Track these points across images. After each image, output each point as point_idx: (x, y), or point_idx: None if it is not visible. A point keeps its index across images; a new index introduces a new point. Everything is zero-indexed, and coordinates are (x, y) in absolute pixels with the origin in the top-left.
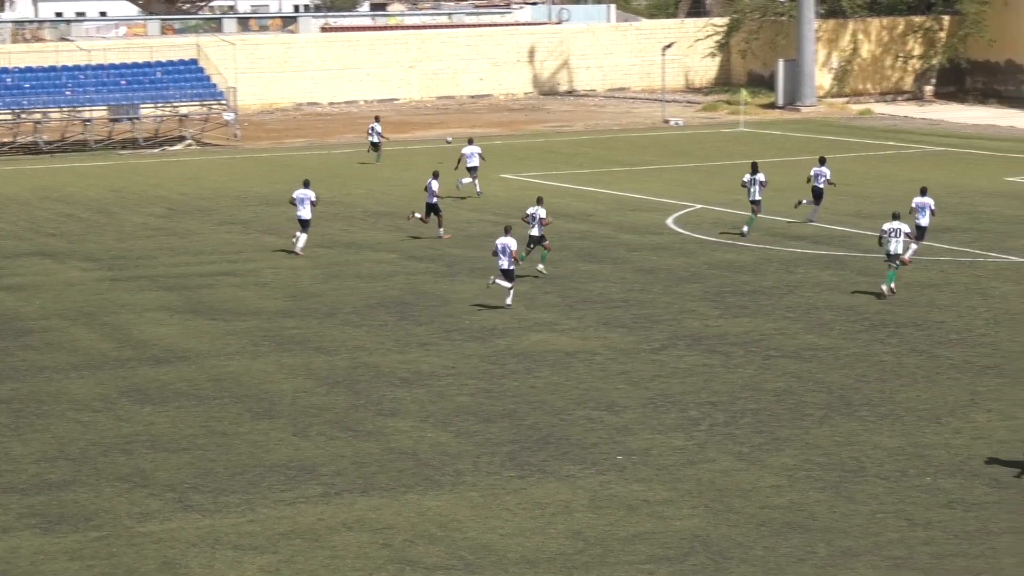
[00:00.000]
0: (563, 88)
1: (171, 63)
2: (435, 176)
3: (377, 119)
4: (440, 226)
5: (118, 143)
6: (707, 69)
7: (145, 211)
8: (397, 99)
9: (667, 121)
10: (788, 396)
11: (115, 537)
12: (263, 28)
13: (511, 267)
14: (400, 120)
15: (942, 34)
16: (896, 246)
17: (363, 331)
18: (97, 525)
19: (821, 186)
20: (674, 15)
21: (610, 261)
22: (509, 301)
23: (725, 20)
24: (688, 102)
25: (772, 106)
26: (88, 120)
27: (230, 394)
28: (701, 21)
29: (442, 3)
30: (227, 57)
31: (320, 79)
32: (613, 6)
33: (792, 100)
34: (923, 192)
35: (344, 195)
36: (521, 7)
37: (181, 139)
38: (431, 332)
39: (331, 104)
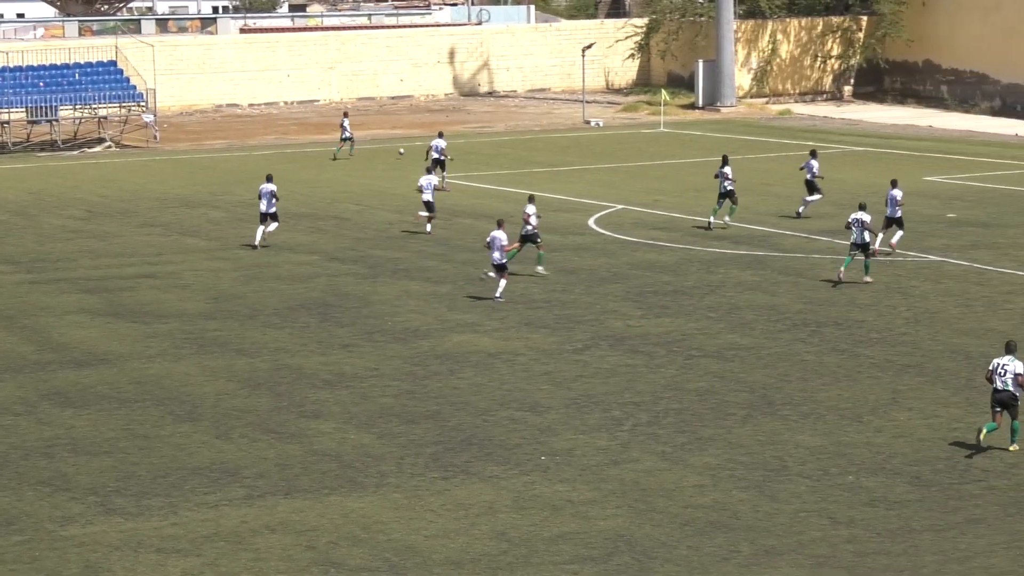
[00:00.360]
0: (483, 89)
1: (89, 65)
2: (429, 172)
3: (346, 115)
4: (428, 222)
5: (36, 145)
6: (627, 70)
7: (64, 213)
8: (317, 100)
9: (588, 122)
10: (711, 396)
11: (37, 541)
12: (182, 29)
13: (502, 260)
14: (321, 122)
15: (860, 34)
16: (858, 236)
17: (285, 333)
18: (19, 529)
19: (811, 178)
20: (594, 16)
21: (532, 262)
22: (499, 294)
23: (644, 21)
24: (608, 103)
25: (692, 107)
26: (6, 122)
27: (152, 397)
28: (620, 22)
29: (362, 4)
30: (146, 59)
31: (239, 81)
32: (532, 7)
33: (712, 101)
34: (893, 184)
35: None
36: (441, 8)
37: (100, 141)
38: (353, 334)
39: (251, 105)
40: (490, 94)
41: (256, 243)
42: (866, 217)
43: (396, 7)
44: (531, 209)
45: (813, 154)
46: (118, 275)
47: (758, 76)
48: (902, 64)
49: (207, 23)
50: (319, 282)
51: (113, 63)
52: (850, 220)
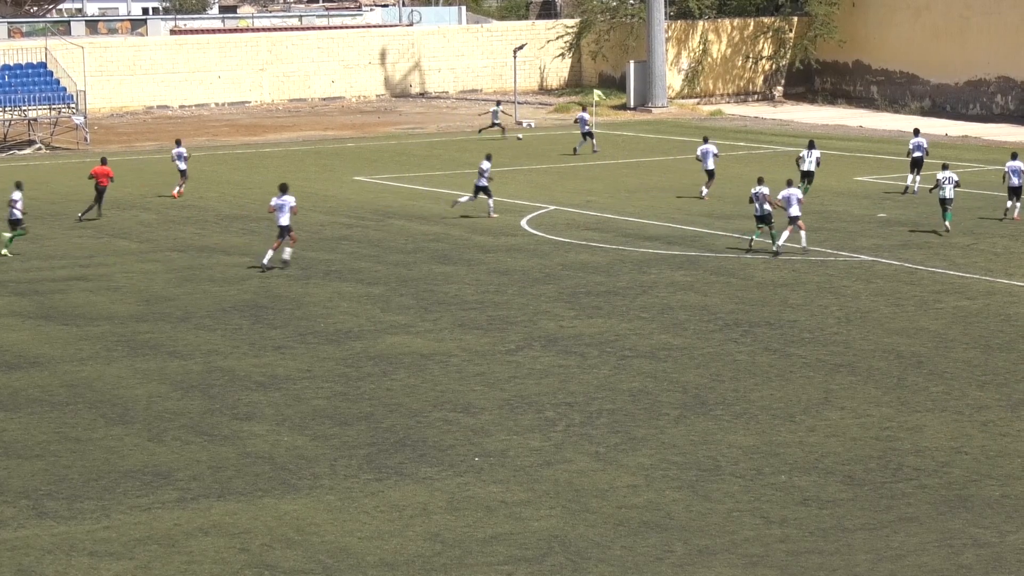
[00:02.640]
0: (415, 90)
1: (19, 66)
2: (488, 158)
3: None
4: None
5: None
6: (559, 71)
7: None
8: (248, 102)
9: (519, 123)
10: (644, 396)
11: None
12: (112, 31)
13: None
14: (252, 123)
15: (791, 35)
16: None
17: (217, 335)
18: None
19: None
20: (525, 17)
21: (464, 263)
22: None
23: (575, 22)
24: (540, 104)
25: (623, 107)
26: None
27: (84, 400)
28: (552, 23)
29: (292, 5)
30: (76, 60)
31: (170, 82)
32: (464, 8)
33: (643, 101)
34: (811, 145)
35: (197, 199)
36: (372, 9)
37: (30, 143)
38: (286, 335)
39: (182, 107)
40: (422, 95)
41: (278, 260)
42: (799, 193)
43: (327, 8)
44: (486, 164)
45: (811, 145)
46: (49, 277)
47: (689, 77)
48: (833, 65)
49: (137, 25)
50: (251, 284)
51: (43, 65)
52: (753, 193)
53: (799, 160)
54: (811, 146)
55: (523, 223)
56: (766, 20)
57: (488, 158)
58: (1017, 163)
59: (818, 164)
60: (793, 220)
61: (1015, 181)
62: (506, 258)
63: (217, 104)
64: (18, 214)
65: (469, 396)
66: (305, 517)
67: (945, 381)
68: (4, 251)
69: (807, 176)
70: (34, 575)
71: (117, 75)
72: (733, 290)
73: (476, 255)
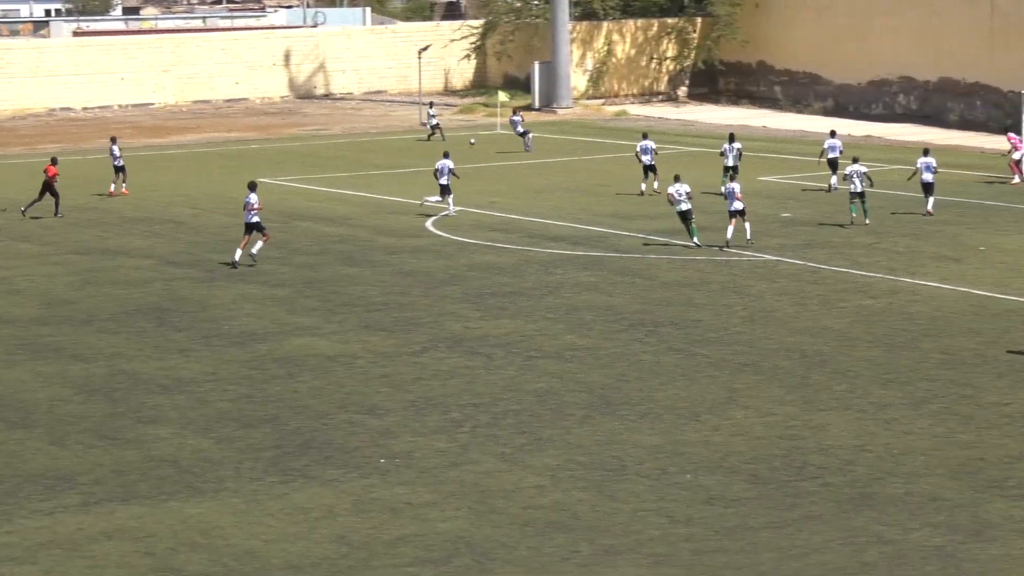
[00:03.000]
0: (320, 91)
1: None
2: (446, 155)
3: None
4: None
5: None
6: (464, 72)
7: None
8: (152, 104)
9: (424, 124)
10: (550, 396)
11: None
12: (14, 33)
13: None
14: (156, 125)
15: (695, 36)
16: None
17: (121, 338)
18: None
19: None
20: (430, 18)
21: (369, 264)
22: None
23: (480, 22)
24: (446, 105)
25: (528, 108)
26: None
27: None
28: (457, 23)
29: (196, 7)
30: None
31: (73, 84)
32: (368, 9)
33: (548, 102)
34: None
35: (99, 201)
36: (276, 11)
37: None
38: (190, 338)
39: (85, 109)
40: (326, 96)
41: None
42: (687, 188)
43: (231, 10)
44: (449, 164)
45: (833, 133)
46: None
47: (594, 77)
48: (736, 65)
49: (40, 26)
50: (155, 286)
51: None
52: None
53: (722, 154)
54: (731, 139)
55: (428, 224)
56: (670, 21)
57: (446, 155)
58: (929, 159)
59: (739, 157)
60: (737, 214)
61: (928, 177)
62: (411, 259)
63: (120, 106)
64: None
65: (375, 398)
66: (210, 520)
67: (849, 379)
68: None
69: (731, 170)
70: None
71: (19, 77)
72: (638, 290)
73: (381, 257)
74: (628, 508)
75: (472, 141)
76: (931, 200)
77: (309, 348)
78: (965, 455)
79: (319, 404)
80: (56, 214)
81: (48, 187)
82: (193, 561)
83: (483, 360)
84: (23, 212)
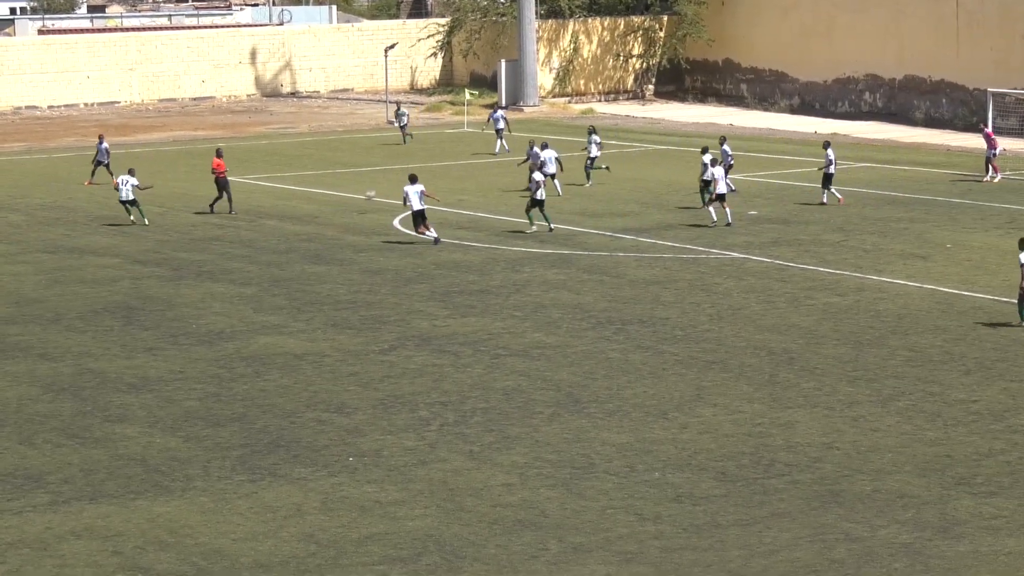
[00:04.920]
0: (286, 90)
1: None
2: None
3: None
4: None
5: None
6: (431, 70)
7: None
8: (118, 102)
9: (391, 122)
10: (517, 394)
11: None
12: None
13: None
14: (121, 123)
15: (661, 34)
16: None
17: (88, 337)
18: None
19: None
20: (396, 16)
21: (337, 263)
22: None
23: (447, 20)
24: (412, 103)
25: (495, 106)
26: None
27: None
28: (423, 22)
29: (162, 5)
30: None
31: (39, 82)
32: (334, 7)
33: (515, 100)
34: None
35: (66, 199)
36: (242, 8)
37: None
38: (158, 337)
39: (50, 108)
40: (293, 95)
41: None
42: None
43: (197, 8)
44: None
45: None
46: None
47: (560, 76)
48: (703, 63)
49: (4, 24)
50: (122, 285)
51: None
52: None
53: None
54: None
55: (395, 223)
56: (636, 19)
57: (413, 180)
58: (830, 152)
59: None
60: (721, 198)
61: (831, 169)
62: (379, 257)
63: (86, 104)
64: None
65: (343, 396)
66: (178, 519)
67: (816, 377)
68: None
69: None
70: None
71: None
72: (606, 288)
73: (349, 255)
74: (597, 506)
75: (370, 194)
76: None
77: (277, 346)
78: (932, 452)
79: (287, 403)
80: (230, 211)
81: (217, 183)
82: (161, 560)
83: (451, 358)
84: (211, 209)
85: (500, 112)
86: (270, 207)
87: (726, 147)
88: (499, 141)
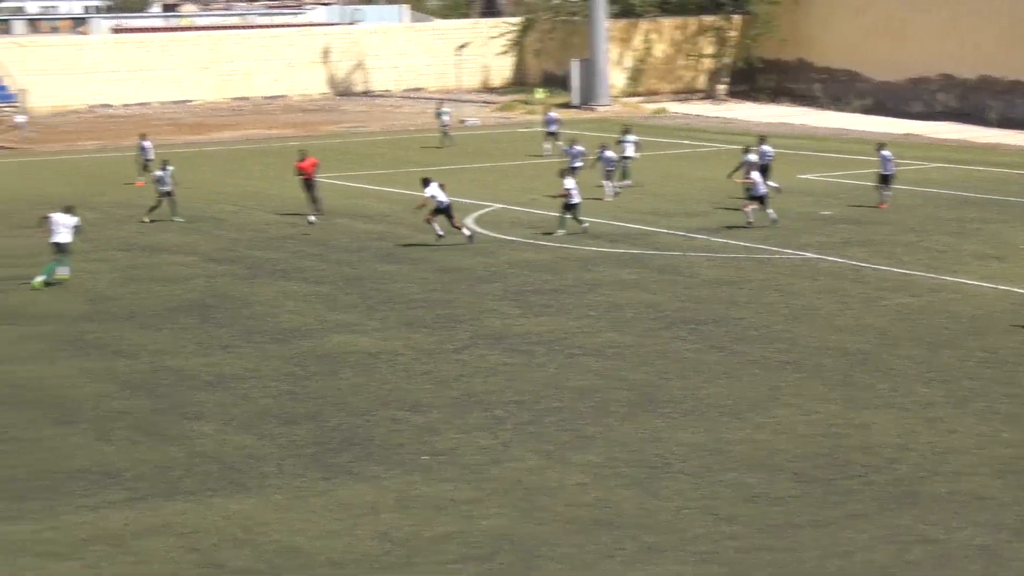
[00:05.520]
0: (358, 89)
1: None
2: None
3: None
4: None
5: None
6: (502, 69)
7: None
8: (191, 101)
9: (463, 121)
10: (592, 394)
11: None
12: (54, 30)
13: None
14: (195, 122)
15: (733, 33)
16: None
17: (164, 334)
18: None
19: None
20: (467, 15)
21: (410, 261)
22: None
23: (519, 20)
24: (484, 102)
25: (567, 106)
26: None
27: (29, 399)
28: (495, 21)
29: (234, 4)
30: (17, 59)
31: (112, 81)
32: (406, 6)
33: (587, 100)
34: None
35: (139, 197)
36: (314, 8)
37: None
38: (233, 334)
39: (124, 106)
40: (365, 94)
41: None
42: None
43: (269, 7)
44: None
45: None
46: None
47: (632, 75)
48: (775, 63)
49: (79, 23)
50: (197, 283)
51: None
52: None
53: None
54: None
55: (468, 221)
56: (707, 19)
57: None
58: (885, 152)
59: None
60: (760, 199)
61: (891, 168)
62: (451, 256)
63: (160, 103)
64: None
65: (417, 395)
66: (254, 516)
67: (891, 378)
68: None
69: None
70: None
71: (59, 74)
72: (679, 288)
73: (422, 254)
74: (672, 506)
75: (311, 220)
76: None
77: (351, 345)
78: (1010, 454)
79: (361, 401)
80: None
81: (306, 184)
82: (237, 557)
83: (525, 357)
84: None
85: (554, 114)
86: (342, 206)
87: (765, 147)
88: (550, 143)
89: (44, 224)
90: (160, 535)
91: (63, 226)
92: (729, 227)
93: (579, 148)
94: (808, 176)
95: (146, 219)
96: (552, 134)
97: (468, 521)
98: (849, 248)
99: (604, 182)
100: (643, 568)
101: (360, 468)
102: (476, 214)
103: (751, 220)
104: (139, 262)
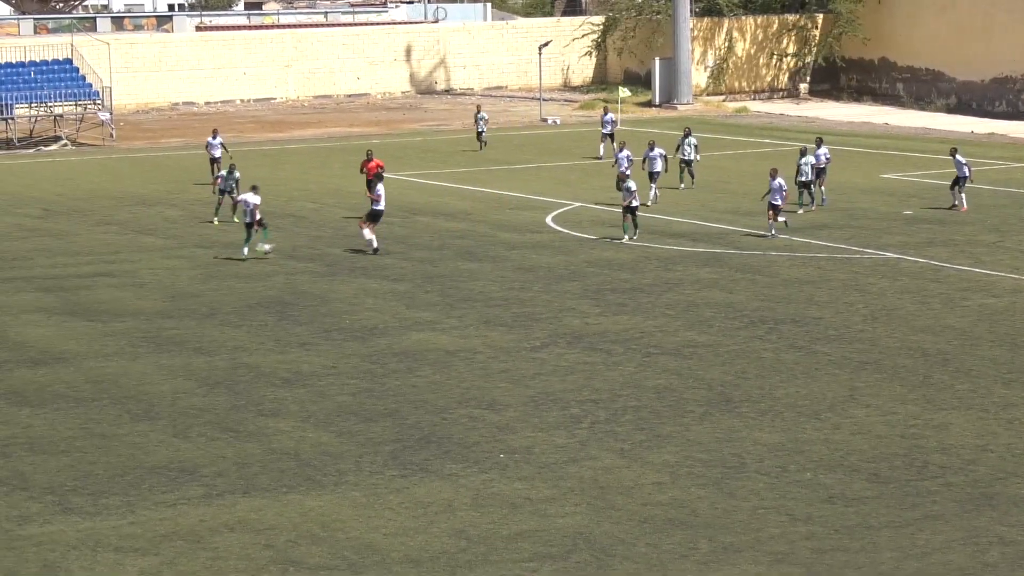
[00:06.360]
0: (440, 87)
1: (45, 63)
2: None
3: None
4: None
5: None
6: (584, 68)
7: (20, 212)
8: (274, 98)
9: (544, 119)
10: (669, 393)
11: None
12: (138, 27)
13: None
14: (277, 120)
15: (816, 32)
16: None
17: (243, 331)
18: None
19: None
20: (550, 14)
21: (490, 260)
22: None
23: (601, 19)
24: (565, 101)
25: (649, 104)
26: None
27: (109, 396)
28: (577, 20)
29: (318, 2)
30: (102, 56)
31: (196, 78)
32: (489, 5)
33: (669, 98)
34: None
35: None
36: (397, 6)
37: (56, 139)
38: (311, 332)
39: (207, 104)
40: (447, 92)
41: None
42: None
43: (352, 5)
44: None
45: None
46: (74, 274)
47: (714, 74)
48: (858, 62)
49: (163, 21)
50: (276, 280)
51: (69, 61)
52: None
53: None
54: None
55: (548, 220)
56: (790, 18)
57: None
58: (959, 156)
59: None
60: (775, 208)
61: (966, 171)
62: (531, 255)
63: (242, 100)
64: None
65: (494, 393)
66: (330, 513)
67: (971, 379)
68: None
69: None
70: (59, 570)
71: (143, 71)
72: (758, 287)
73: (501, 252)
74: (748, 506)
75: (267, 248)
76: (963, 196)
77: (429, 343)
78: None
79: (438, 398)
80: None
81: (369, 184)
82: (313, 554)
83: (602, 356)
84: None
85: (611, 115)
86: (423, 204)
87: (821, 150)
88: (603, 144)
89: (239, 206)
90: (236, 531)
91: (252, 204)
92: (822, 227)
93: (627, 153)
94: (890, 175)
95: (215, 221)
96: (609, 135)
97: (544, 519)
98: (931, 248)
99: (651, 185)
100: (718, 568)
101: (437, 466)
102: (556, 212)
103: (773, 233)
104: (219, 260)
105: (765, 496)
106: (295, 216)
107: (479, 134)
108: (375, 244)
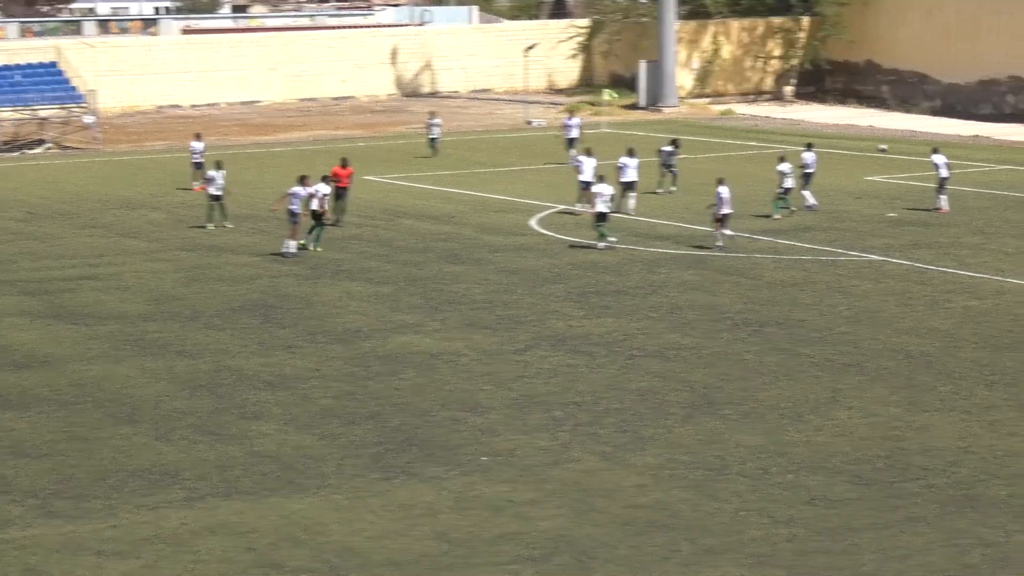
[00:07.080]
0: (426, 90)
1: (30, 66)
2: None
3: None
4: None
5: None
6: (570, 71)
7: (4, 215)
8: (260, 101)
9: (529, 122)
10: (651, 395)
11: None
12: (123, 31)
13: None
14: (263, 122)
15: (802, 35)
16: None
17: (226, 334)
18: None
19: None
20: (536, 17)
21: (473, 262)
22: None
23: (587, 22)
24: (551, 103)
25: (634, 107)
26: None
27: (92, 399)
28: (563, 22)
29: (304, 5)
30: (87, 60)
31: (181, 82)
32: (475, 7)
33: (654, 101)
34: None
35: (205, 197)
36: (383, 9)
37: (41, 142)
38: (295, 335)
39: (193, 106)
40: (432, 95)
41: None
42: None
43: (338, 8)
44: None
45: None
46: (58, 277)
47: (700, 77)
48: (844, 64)
49: (149, 24)
50: (260, 283)
51: (54, 64)
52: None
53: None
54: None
55: (532, 223)
56: (776, 20)
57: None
58: (935, 157)
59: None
60: (722, 220)
61: (944, 172)
62: (515, 257)
63: (228, 103)
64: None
65: (477, 395)
66: (312, 516)
67: (954, 381)
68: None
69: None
70: (41, 574)
71: (128, 75)
72: (742, 290)
73: (485, 255)
74: (729, 508)
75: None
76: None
77: (412, 345)
78: None
79: (421, 401)
80: (337, 222)
81: (336, 192)
82: (295, 557)
83: (586, 358)
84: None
85: (575, 119)
86: (408, 207)
87: (806, 154)
88: (572, 151)
89: (285, 199)
90: (218, 534)
91: (298, 197)
92: (806, 229)
93: (582, 158)
94: (875, 178)
95: (210, 226)
96: (572, 140)
97: (526, 522)
98: (915, 250)
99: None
100: (700, 570)
101: (419, 469)
102: (540, 215)
103: (720, 244)
104: (203, 262)
105: (747, 498)
106: (280, 219)
107: (432, 140)
108: (293, 250)
